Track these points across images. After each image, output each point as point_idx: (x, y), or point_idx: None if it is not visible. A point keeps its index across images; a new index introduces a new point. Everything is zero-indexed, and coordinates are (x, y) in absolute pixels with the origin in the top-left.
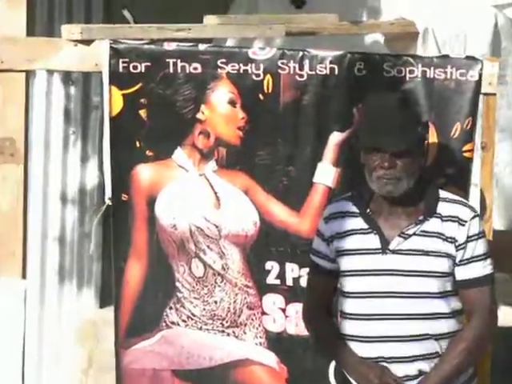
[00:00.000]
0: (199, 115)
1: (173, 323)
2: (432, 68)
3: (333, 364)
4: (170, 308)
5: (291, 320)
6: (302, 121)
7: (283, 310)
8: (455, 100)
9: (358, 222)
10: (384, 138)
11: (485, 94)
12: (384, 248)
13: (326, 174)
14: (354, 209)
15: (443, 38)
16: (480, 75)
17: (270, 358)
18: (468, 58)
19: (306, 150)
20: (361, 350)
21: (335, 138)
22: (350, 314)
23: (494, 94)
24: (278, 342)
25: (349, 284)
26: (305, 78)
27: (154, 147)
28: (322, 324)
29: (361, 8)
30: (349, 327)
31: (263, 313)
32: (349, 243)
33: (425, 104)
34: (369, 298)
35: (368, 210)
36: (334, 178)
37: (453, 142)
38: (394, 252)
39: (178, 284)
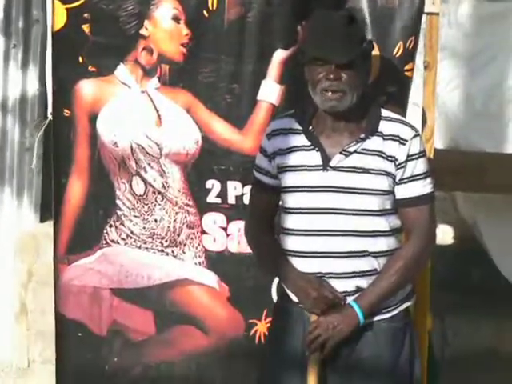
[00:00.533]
0: (143, 31)
1: (112, 241)
2: None
3: (275, 281)
4: (110, 226)
5: (233, 238)
6: (247, 38)
7: (224, 229)
8: (398, 19)
9: (300, 139)
10: (328, 48)
11: (428, 14)
12: (325, 165)
13: (269, 91)
14: (297, 126)
15: None
16: None
17: (210, 278)
18: None
19: (250, 67)
20: (301, 265)
21: (279, 55)
22: (292, 230)
23: (437, 14)
24: (218, 261)
25: (290, 200)
26: None
27: (97, 63)
28: (263, 240)
29: None
30: (290, 243)
31: (203, 232)
32: (291, 160)
33: (368, 22)
34: (309, 214)
35: (310, 127)
36: (278, 95)
37: (395, 61)
38: (334, 169)
39: (118, 202)
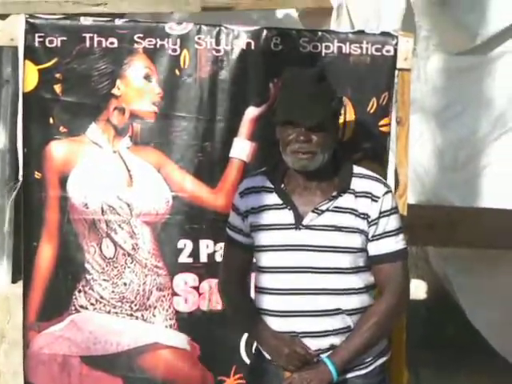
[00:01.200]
0: (115, 90)
1: (81, 307)
2: (348, 43)
3: (244, 337)
4: (79, 291)
5: (205, 296)
6: (219, 96)
7: (196, 288)
8: (371, 75)
9: (272, 198)
10: (298, 112)
11: (400, 70)
12: (298, 223)
13: (241, 148)
14: (269, 184)
15: (357, 13)
16: (395, 50)
17: (181, 340)
18: (383, 33)
19: (222, 125)
20: (275, 324)
21: (251, 112)
22: (265, 289)
23: (409, 70)
24: (189, 322)
25: (263, 259)
26: (221, 53)
27: (68, 123)
28: (236, 298)
29: None
30: (263, 301)
31: (174, 294)
32: (263, 218)
33: (341, 79)
34: (283, 273)
35: (282, 186)
36: (250, 152)
37: (369, 117)
38: (307, 227)
39: (87, 265)
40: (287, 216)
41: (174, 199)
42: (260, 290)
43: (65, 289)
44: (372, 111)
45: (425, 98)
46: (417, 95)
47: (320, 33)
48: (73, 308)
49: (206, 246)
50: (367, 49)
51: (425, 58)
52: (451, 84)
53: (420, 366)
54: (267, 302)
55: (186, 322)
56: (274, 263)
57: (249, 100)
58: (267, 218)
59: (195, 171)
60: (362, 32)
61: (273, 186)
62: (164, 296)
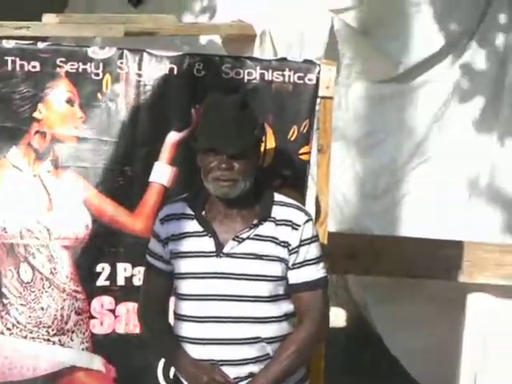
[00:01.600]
0: (36, 114)
1: None
2: (270, 71)
3: (162, 362)
4: None
5: (121, 319)
6: (140, 120)
7: (112, 311)
8: (293, 103)
9: (192, 225)
10: (220, 140)
11: (322, 98)
12: (218, 251)
13: (161, 173)
14: (190, 211)
15: (280, 41)
16: (317, 79)
17: (96, 362)
18: (306, 61)
19: (143, 149)
20: (194, 351)
21: (172, 137)
22: (184, 316)
23: (331, 98)
24: (105, 344)
25: (182, 286)
26: (144, 77)
27: None
28: (155, 324)
29: (198, 9)
30: (182, 329)
31: (91, 317)
32: (183, 246)
33: (262, 106)
34: (201, 301)
35: (203, 213)
36: (170, 177)
37: (290, 145)
38: (227, 255)
39: (4, 290)
40: (208, 244)
41: (93, 223)
42: (179, 317)
43: None
44: (293, 139)
45: (346, 125)
46: (338, 123)
47: (243, 59)
48: None
49: (124, 270)
50: (289, 76)
51: (347, 85)
52: (373, 112)
53: None
54: (186, 329)
55: (101, 344)
56: (193, 291)
57: (170, 125)
58: (187, 245)
59: (115, 195)
60: (284, 59)
61: (193, 213)
62: (82, 320)
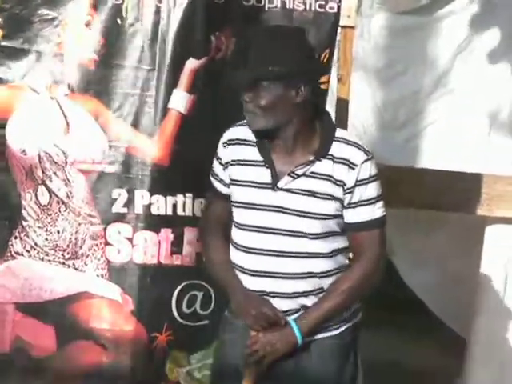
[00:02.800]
0: (55, 37)
1: (17, 253)
2: None
3: (175, 294)
4: (15, 237)
5: (139, 249)
6: (160, 47)
7: (130, 240)
8: (314, 31)
9: (253, 153)
10: (236, 74)
11: (343, 27)
12: (274, 184)
13: (179, 100)
14: (252, 137)
15: None
16: (339, 7)
17: (112, 291)
18: None
19: (162, 75)
20: (245, 282)
21: (191, 64)
22: (238, 245)
23: (352, 27)
24: (122, 273)
25: (237, 215)
26: (164, 3)
27: (6, 69)
28: (214, 246)
29: None
30: (236, 257)
31: (107, 243)
32: (241, 173)
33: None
34: (255, 232)
35: (266, 141)
36: (188, 104)
37: None
38: (282, 190)
39: (24, 212)
40: (264, 175)
41: (110, 148)
42: (234, 245)
43: (1, 235)
44: None
45: (367, 56)
46: (359, 53)
47: None
48: (9, 254)
49: (142, 197)
50: (311, 4)
51: (369, 16)
52: (395, 43)
53: None
54: (239, 258)
55: (118, 273)
56: (245, 221)
57: (190, 52)
58: (245, 173)
59: (133, 121)
60: None
61: (255, 140)
62: (97, 245)
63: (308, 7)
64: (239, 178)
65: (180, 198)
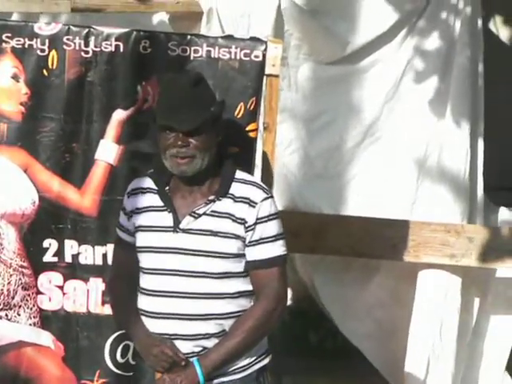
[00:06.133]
0: None
1: None
2: (217, 48)
3: (109, 342)
4: None
5: (69, 297)
6: (87, 97)
7: (61, 288)
8: (239, 80)
9: (155, 199)
10: (175, 117)
11: (268, 76)
12: (175, 227)
13: (107, 151)
14: (154, 186)
15: (227, 18)
16: (264, 56)
17: (45, 338)
18: (252, 38)
19: (90, 126)
20: (148, 325)
21: (118, 115)
22: (143, 289)
23: (277, 76)
24: (54, 321)
25: (143, 260)
26: (90, 54)
27: None
28: (120, 296)
29: None
30: (141, 302)
31: (38, 292)
32: (145, 220)
33: (209, 83)
34: (158, 275)
35: (167, 188)
36: (116, 155)
37: (237, 122)
38: (184, 231)
39: None
40: (167, 219)
41: (40, 199)
42: (140, 290)
43: None
44: (240, 116)
45: (296, 106)
46: (288, 103)
47: (189, 36)
48: None
49: (71, 247)
50: (236, 53)
51: (295, 66)
52: (322, 93)
53: (283, 373)
54: (143, 302)
55: (49, 321)
56: (150, 265)
57: (117, 102)
58: (148, 219)
59: (62, 172)
60: (231, 37)
61: (157, 188)
62: (29, 295)
63: (233, 56)
64: (142, 223)
65: (110, 247)
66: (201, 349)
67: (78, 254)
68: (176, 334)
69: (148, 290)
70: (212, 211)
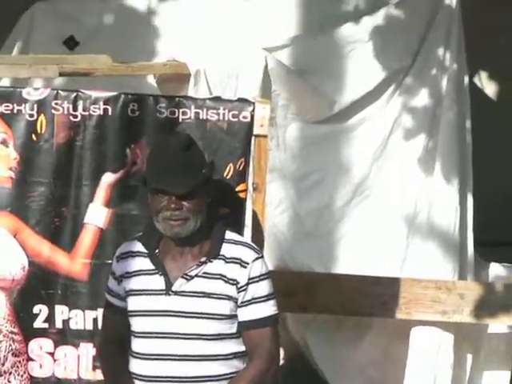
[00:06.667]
0: None
1: None
2: (205, 109)
3: None
4: None
5: (60, 363)
6: (76, 161)
7: (52, 354)
8: (228, 141)
9: (145, 263)
10: (168, 181)
11: (256, 136)
12: (168, 289)
13: (96, 214)
14: (143, 249)
15: (215, 80)
16: (252, 116)
17: None
18: (240, 99)
19: (79, 190)
20: None
21: (107, 178)
22: (135, 353)
23: (266, 136)
24: None
25: (134, 323)
26: (78, 118)
27: None
28: (111, 360)
29: (135, 49)
30: (134, 366)
31: (29, 359)
32: (135, 284)
33: (198, 144)
34: (151, 339)
35: (157, 251)
36: (106, 218)
37: (226, 183)
38: (176, 293)
39: None
40: (158, 282)
41: (30, 264)
42: (131, 354)
43: None
44: (229, 176)
45: (284, 166)
46: (276, 163)
47: (177, 99)
48: None
49: (61, 312)
50: (224, 114)
51: (284, 126)
52: (310, 152)
53: None
54: (135, 366)
55: None
56: (142, 328)
57: (106, 166)
58: (139, 283)
59: (51, 236)
60: (218, 98)
61: (147, 251)
62: (20, 361)
63: (222, 117)
64: (133, 287)
65: (101, 311)
66: None
67: (69, 319)
68: None
69: (141, 354)
70: (204, 273)
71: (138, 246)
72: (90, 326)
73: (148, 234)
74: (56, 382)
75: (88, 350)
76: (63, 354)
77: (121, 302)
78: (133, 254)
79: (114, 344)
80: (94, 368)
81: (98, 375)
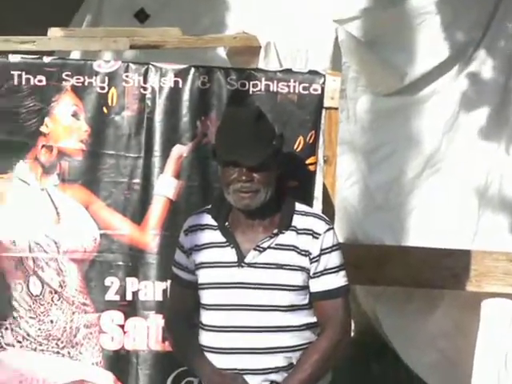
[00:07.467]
0: (43, 128)
1: (8, 344)
2: (275, 82)
3: (171, 379)
4: (6, 328)
5: (129, 335)
6: (146, 133)
7: (122, 327)
8: (298, 113)
9: (215, 235)
10: (239, 153)
11: (327, 108)
12: (240, 261)
13: (166, 186)
14: (213, 222)
15: (285, 52)
16: (322, 89)
17: (107, 378)
18: (310, 72)
19: (149, 162)
20: (216, 361)
21: (177, 150)
22: (207, 326)
23: (336, 109)
24: (115, 360)
25: (206, 296)
26: (149, 90)
27: None
28: (181, 333)
29: (205, 22)
30: (205, 338)
31: (101, 331)
32: (206, 256)
33: (268, 117)
34: (223, 311)
35: (226, 223)
36: (176, 190)
37: (296, 155)
38: (249, 265)
39: (14, 303)
40: (230, 254)
41: (101, 237)
42: (202, 327)
43: None
44: (299, 149)
45: (355, 138)
46: (346, 136)
47: (247, 71)
48: None
49: (131, 284)
50: (294, 87)
51: (354, 98)
52: (381, 125)
53: None
54: (208, 338)
55: (111, 360)
56: (215, 301)
57: (176, 138)
58: (210, 255)
59: (122, 208)
60: (289, 70)
61: (216, 224)
62: (91, 333)
63: (292, 90)
64: (204, 260)
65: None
66: (269, 383)
67: (138, 290)
68: (245, 369)
69: (213, 326)
70: (276, 244)
71: (207, 219)
72: (159, 297)
73: (217, 206)
74: (125, 355)
75: (157, 321)
76: (133, 325)
77: (188, 275)
78: (201, 227)
79: (182, 317)
80: (164, 340)
81: (167, 347)
